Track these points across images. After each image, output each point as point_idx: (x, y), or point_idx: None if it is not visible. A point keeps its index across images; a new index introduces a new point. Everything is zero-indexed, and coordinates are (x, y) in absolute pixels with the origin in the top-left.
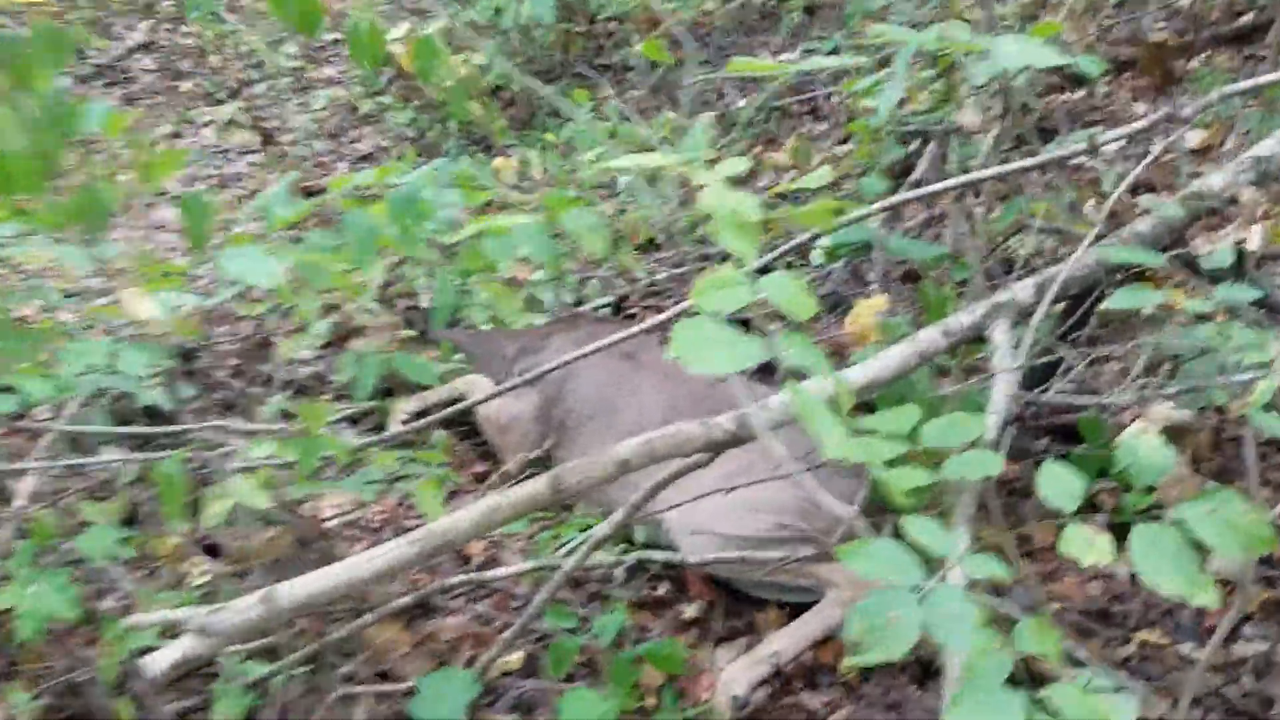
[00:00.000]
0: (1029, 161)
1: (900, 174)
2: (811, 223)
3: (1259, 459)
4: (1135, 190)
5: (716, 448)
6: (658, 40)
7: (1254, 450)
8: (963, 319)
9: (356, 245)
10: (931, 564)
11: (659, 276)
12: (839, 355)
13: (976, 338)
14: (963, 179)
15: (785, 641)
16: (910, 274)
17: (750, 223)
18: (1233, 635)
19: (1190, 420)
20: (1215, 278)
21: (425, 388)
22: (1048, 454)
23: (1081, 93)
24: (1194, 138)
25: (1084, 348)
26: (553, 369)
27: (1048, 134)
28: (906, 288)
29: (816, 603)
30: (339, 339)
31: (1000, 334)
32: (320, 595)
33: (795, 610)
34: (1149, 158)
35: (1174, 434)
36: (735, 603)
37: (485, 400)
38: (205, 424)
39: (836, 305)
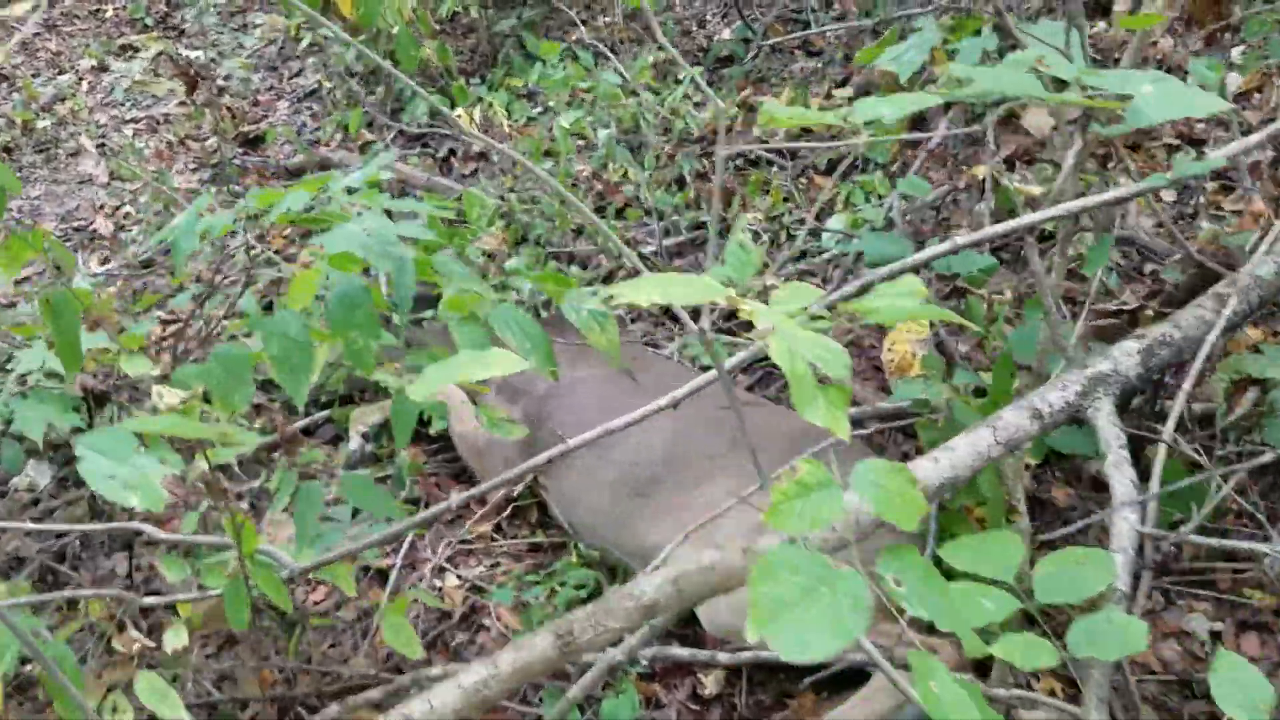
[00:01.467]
0: (1113, 194)
1: (913, 124)
2: (882, 320)
3: None
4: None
5: None
6: None
7: None
8: (1052, 397)
9: (280, 366)
10: None
11: (648, 250)
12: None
13: (1074, 419)
14: (1035, 217)
15: None
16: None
17: (841, 386)
18: None
19: None
20: None
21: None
22: None
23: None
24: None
25: (1227, 461)
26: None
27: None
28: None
29: (861, 679)
30: None
31: (1107, 427)
32: None
33: (834, 689)
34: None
35: None
36: (762, 671)
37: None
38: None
39: None
